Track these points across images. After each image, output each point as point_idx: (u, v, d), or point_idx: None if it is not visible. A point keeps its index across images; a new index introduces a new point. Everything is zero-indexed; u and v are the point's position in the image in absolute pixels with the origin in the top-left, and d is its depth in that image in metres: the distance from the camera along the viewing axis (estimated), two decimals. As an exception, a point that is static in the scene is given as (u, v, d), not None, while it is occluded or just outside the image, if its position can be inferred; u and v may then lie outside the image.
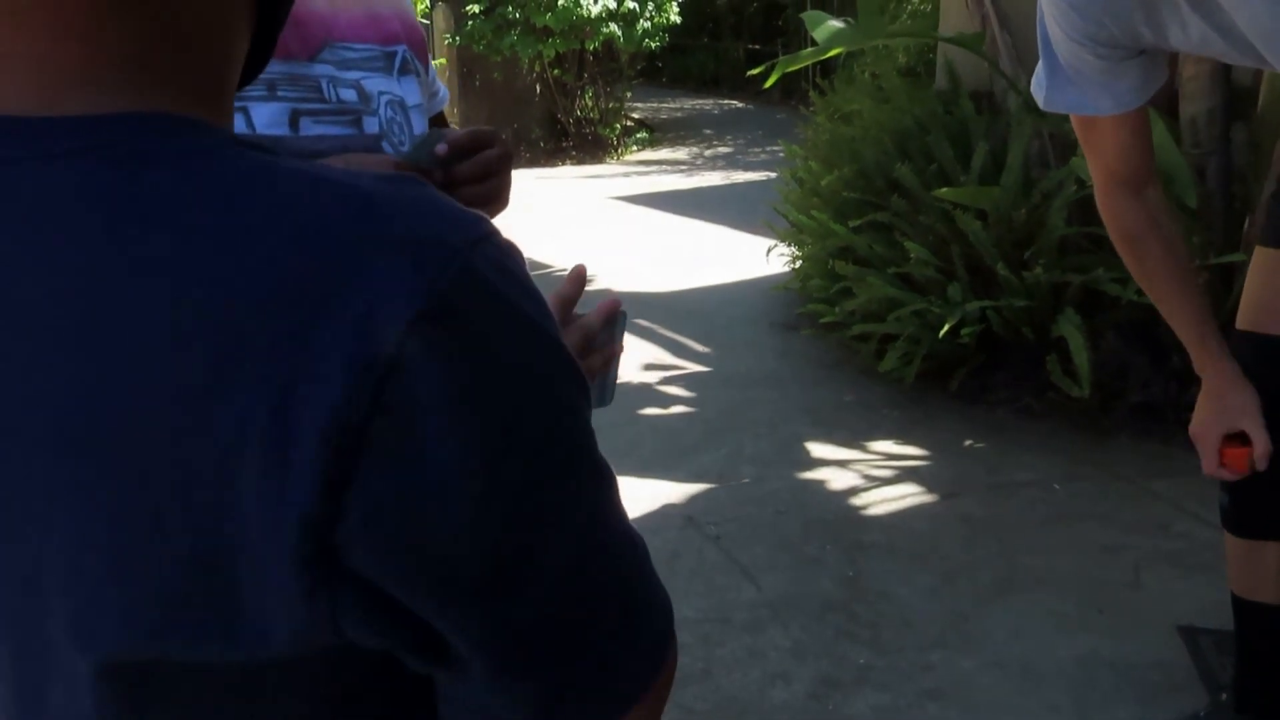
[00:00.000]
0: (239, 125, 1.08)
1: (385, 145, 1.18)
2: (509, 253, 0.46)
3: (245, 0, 0.49)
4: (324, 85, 1.15)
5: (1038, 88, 1.46)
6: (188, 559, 0.41)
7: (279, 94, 1.11)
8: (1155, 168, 1.53)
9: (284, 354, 0.40)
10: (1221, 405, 1.55)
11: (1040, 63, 1.44)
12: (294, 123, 1.12)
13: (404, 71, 1.24)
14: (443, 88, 1.39)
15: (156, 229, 0.42)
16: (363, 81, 1.18)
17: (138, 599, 0.42)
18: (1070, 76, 1.40)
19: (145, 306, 0.41)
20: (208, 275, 0.41)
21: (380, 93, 1.19)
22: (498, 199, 1.13)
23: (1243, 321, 1.69)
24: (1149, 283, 1.58)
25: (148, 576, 0.42)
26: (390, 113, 1.19)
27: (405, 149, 1.20)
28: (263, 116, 1.10)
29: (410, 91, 1.24)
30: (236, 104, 1.07)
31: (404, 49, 1.25)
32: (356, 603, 0.42)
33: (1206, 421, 1.57)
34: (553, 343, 0.46)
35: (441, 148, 1.08)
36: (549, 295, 0.78)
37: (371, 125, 1.17)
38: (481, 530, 0.43)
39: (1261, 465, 1.52)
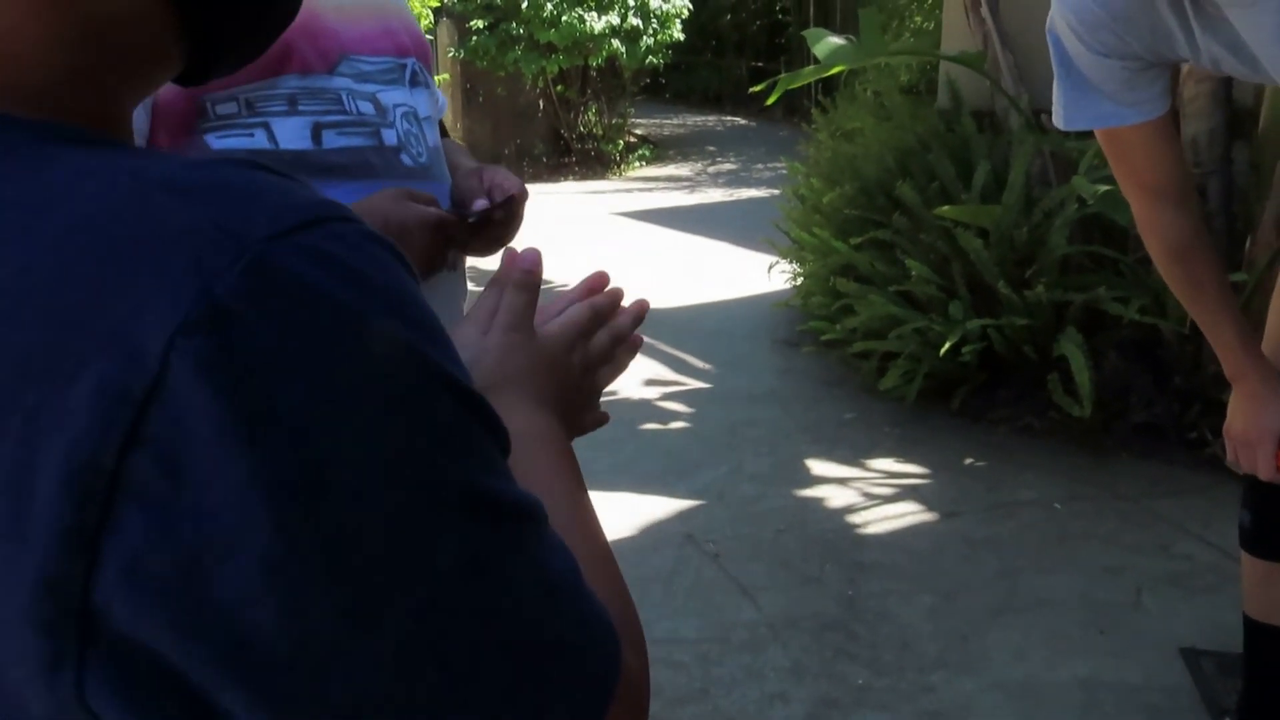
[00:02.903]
0: (261, 142, 1.09)
1: (403, 157, 1.19)
2: (352, 241, 0.38)
3: None
4: (344, 98, 1.15)
5: (1055, 109, 1.45)
6: None
7: (300, 108, 1.12)
8: (1191, 179, 1.50)
9: (33, 378, 0.34)
10: (1271, 408, 1.53)
11: (1056, 84, 1.43)
12: (317, 136, 1.13)
13: (415, 83, 1.25)
14: (441, 95, 1.40)
15: None
16: (378, 94, 1.19)
17: None
18: (1094, 89, 1.39)
19: None
20: None
21: (395, 105, 1.20)
22: (509, 233, 1.21)
23: (1269, 348, 1.63)
24: (1198, 295, 1.53)
25: None
26: (406, 124, 1.20)
27: (423, 159, 1.22)
28: (285, 131, 1.11)
29: (422, 103, 1.25)
30: (257, 120, 1.09)
31: (414, 61, 1.26)
32: (115, 677, 0.35)
33: (1261, 425, 1.54)
34: (406, 350, 0.38)
35: (480, 204, 1.17)
36: (575, 308, 0.69)
37: (389, 137, 1.18)
38: (279, 593, 0.34)
39: None
